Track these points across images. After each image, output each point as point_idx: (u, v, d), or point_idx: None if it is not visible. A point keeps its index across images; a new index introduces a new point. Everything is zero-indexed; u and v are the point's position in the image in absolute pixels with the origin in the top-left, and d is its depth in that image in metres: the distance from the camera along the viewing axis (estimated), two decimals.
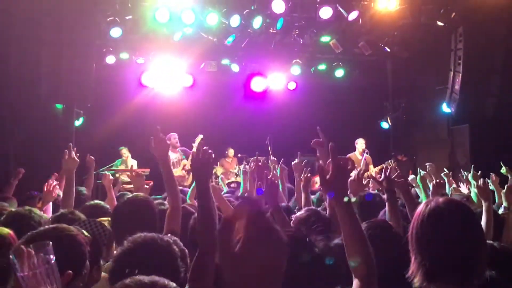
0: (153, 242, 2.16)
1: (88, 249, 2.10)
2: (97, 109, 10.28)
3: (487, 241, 2.89)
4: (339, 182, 2.00)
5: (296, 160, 5.05)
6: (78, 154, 4.40)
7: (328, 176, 2.00)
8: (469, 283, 1.69)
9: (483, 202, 3.84)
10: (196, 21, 9.34)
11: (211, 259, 2.08)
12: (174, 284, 1.45)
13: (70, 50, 8.63)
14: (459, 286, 1.68)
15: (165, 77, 10.87)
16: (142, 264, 2.00)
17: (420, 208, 1.85)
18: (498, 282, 2.38)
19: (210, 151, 2.42)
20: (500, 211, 4.13)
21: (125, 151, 10.28)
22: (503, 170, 5.16)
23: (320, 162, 3.68)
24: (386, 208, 3.34)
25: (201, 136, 9.31)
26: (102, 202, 4.39)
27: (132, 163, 10.24)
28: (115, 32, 9.47)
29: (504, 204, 4.15)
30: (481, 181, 4.00)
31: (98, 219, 3.41)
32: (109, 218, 3.50)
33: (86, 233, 2.33)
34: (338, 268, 1.59)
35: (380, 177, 3.59)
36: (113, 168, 9.84)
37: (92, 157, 6.31)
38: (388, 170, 3.55)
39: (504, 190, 4.23)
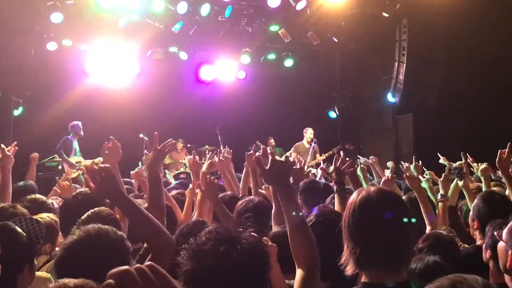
0: (106, 233, 2.08)
1: None
2: (39, 98, 9.84)
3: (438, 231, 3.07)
4: (278, 172, 2.12)
5: (251, 151, 4.98)
6: (17, 147, 4.22)
7: (267, 167, 2.13)
8: (396, 269, 1.73)
9: (415, 191, 3.95)
10: (142, 7, 9.07)
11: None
12: None
13: (6, 36, 8.18)
14: (387, 272, 1.71)
15: (110, 65, 10.50)
16: (91, 256, 1.95)
17: (353, 197, 1.87)
18: (438, 267, 2.46)
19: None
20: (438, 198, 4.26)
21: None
22: (442, 160, 5.40)
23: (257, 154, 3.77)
24: (335, 199, 3.35)
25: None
26: (43, 197, 4.20)
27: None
28: (56, 18, 9.04)
29: (441, 191, 4.28)
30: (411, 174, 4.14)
31: (38, 215, 3.27)
32: (50, 215, 3.37)
33: (20, 231, 2.29)
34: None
35: (329, 168, 3.59)
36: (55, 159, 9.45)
37: (37, 154, 6.24)
38: (339, 161, 3.50)
39: (441, 179, 4.36)
